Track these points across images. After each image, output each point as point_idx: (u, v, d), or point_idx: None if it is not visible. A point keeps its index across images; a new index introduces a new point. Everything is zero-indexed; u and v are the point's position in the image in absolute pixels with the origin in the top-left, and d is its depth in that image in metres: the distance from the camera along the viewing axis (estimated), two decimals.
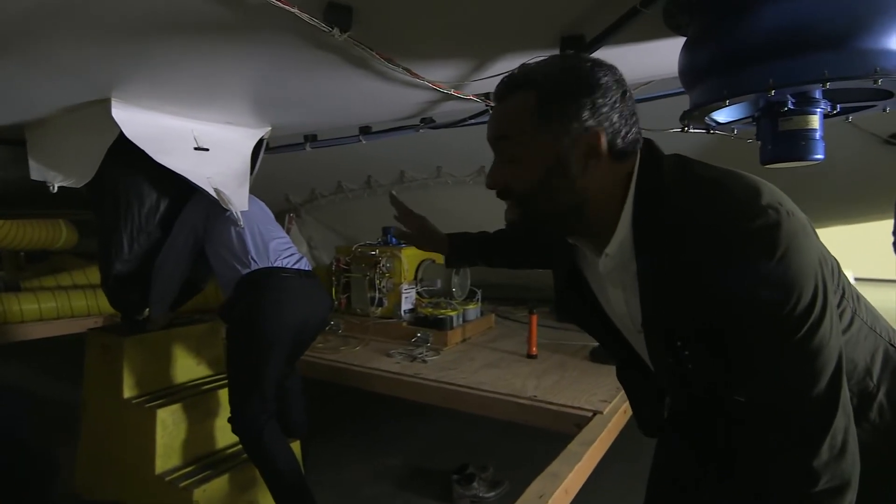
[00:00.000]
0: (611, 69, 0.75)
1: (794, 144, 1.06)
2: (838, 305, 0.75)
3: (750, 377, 0.68)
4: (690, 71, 1.14)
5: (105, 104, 1.77)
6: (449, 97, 1.82)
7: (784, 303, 0.64)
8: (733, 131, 1.31)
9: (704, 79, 1.09)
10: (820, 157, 1.07)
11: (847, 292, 0.78)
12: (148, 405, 2.06)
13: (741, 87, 1.01)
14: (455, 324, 2.96)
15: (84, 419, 2.28)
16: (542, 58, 0.78)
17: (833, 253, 0.79)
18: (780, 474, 0.68)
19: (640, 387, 0.96)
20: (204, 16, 1.22)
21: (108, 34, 1.31)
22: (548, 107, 0.72)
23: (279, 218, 4.65)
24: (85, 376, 2.29)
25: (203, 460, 2.15)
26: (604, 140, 0.72)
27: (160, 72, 1.60)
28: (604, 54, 1.38)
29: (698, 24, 1.12)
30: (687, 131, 1.27)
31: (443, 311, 3.01)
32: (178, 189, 2.10)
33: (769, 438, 0.68)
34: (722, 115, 1.22)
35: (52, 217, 3.68)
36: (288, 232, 4.32)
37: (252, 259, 2.00)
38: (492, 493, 2.27)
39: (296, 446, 2.23)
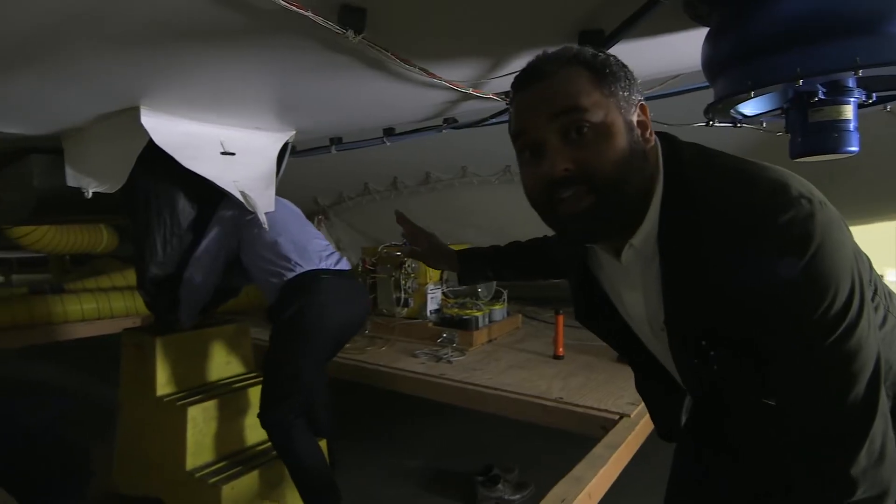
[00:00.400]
0: None
1: (825, 137, 1.01)
2: (873, 303, 0.70)
3: (782, 379, 0.64)
4: (713, 62, 1.09)
5: (134, 112, 1.83)
6: (469, 97, 1.81)
7: (820, 300, 0.60)
8: (762, 124, 1.26)
9: (728, 70, 1.05)
10: (854, 149, 1.01)
11: (879, 289, 0.74)
12: (179, 403, 2.12)
13: (766, 77, 0.96)
14: (481, 324, 2.95)
15: (120, 416, 2.36)
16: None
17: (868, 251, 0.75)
18: (816, 483, 0.64)
19: (657, 393, 0.93)
20: (220, 22, 1.24)
21: (130, 44, 1.34)
22: (605, 78, 0.68)
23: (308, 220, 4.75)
24: (121, 375, 2.37)
25: (233, 457, 2.20)
26: (648, 113, 0.71)
27: (183, 79, 1.64)
28: (624, 48, 1.35)
29: (721, 13, 1.08)
30: (712, 125, 1.23)
31: (468, 311, 2.99)
32: (207, 193, 2.15)
33: (803, 445, 0.64)
34: (748, 108, 1.17)
35: (93, 222, 3.82)
36: None
37: (296, 263, 2.02)
38: (517, 496, 2.24)
39: (322, 444, 2.26)
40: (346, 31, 1.18)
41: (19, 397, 1.84)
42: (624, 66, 0.71)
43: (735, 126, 1.25)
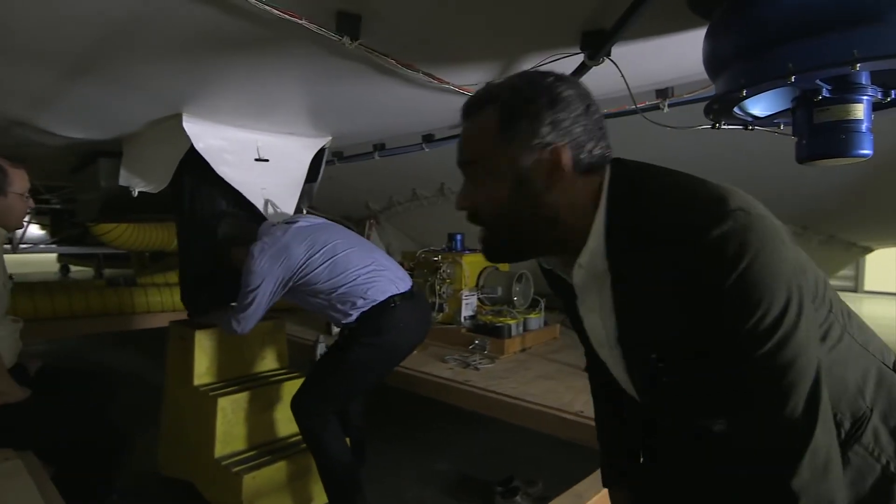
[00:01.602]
0: (574, 83, 0.73)
1: (831, 138, 0.92)
2: (825, 320, 0.69)
3: (722, 392, 0.64)
4: (713, 60, 1.03)
5: (177, 118, 1.97)
6: None
7: (753, 310, 0.59)
8: (779, 126, 1.17)
9: (725, 68, 0.98)
10: (866, 152, 0.91)
11: (835, 307, 0.70)
12: (211, 393, 2.23)
13: (758, 74, 0.89)
14: (514, 332, 2.90)
15: (164, 403, 2.52)
16: (508, 76, 0.77)
17: None
18: (758, 497, 0.62)
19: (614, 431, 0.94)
20: (237, 33, 1.32)
21: (168, 55, 1.46)
22: (510, 124, 0.71)
23: (360, 225, 4.88)
24: (166, 364, 2.53)
25: (260, 448, 2.29)
26: (567, 155, 0.70)
27: (217, 87, 1.75)
28: (629, 49, 1.30)
29: (721, 6, 1.01)
30: (718, 128, 1.15)
31: (502, 319, 2.96)
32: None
33: (744, 458, 0.63)
34: (757, 109, 1.09)
35: (154, 221, 4.14)
36: (368, 238, 4.49)
37: (369, 298, 1.96)
38: None
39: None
40: (343, 37, 1.22)
41: (75, 379, 2.01)
42: (547, 109, 0.70)
43: (746, 129, 1.16)
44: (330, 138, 2.47)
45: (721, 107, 1.01)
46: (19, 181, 1.70)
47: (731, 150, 2.29)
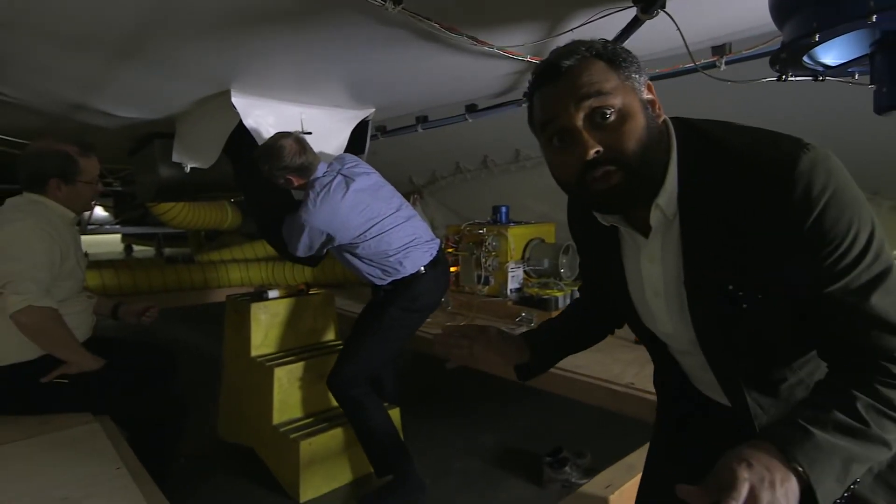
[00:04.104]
0: None
1: None
2: None
3: (829, 309, 0.69)
4: (780, 4, 0.95)
5: (226, 95, 2.01)
6: (531, 65, 1.74)
7: (844, 237, 0.66)
8: (854, 76, 1.07)
9: (795, 11, 0.91)
10: None
11: None
12: (268, 364, 2.32)
13: (834, 15, 0.81)
14: (561, 304, 2.85)
15: (223, 374, 2.64)
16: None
17: None
18: (872, 367, 0.68)
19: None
20: (280, 5, 1.32)
21: (215, 31, 1.47)
22: (619, 64, 0.74)
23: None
24: (225, 337, 2.65)
25: (315, 416, 2.38)
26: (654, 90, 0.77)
27: (263, 61, 1.76)
28: (684, 1, 1.22)
29: None
30: (785, 80, 1.07)
31: (549, 291, 2.92)
32: None
33: (864, 321, 0.67)
34: (829, 57, 1.00)
35: (208, 199, 4.27)
36: None
37: (402, 267, 2.14)
38: (584, 480, 2.17)
39: (395, 413, 2.35)
40: (385, 2, 1.19)
41: (141, 350, 2.13)
42: (630, 52, 0.77)
43: (816, 80, 1.07)
44: (373, 110, 2.46)
45: (790, 55, 0.94)
46: (89, 169, 1.80)
47: (794, 109, 2.15)
